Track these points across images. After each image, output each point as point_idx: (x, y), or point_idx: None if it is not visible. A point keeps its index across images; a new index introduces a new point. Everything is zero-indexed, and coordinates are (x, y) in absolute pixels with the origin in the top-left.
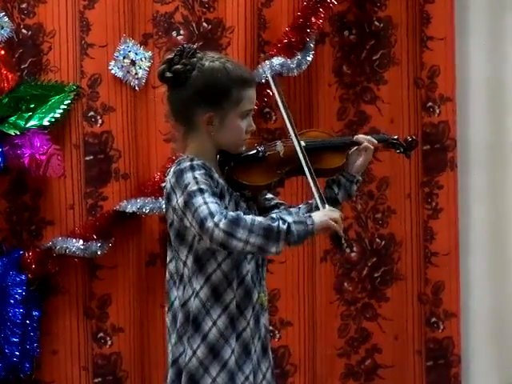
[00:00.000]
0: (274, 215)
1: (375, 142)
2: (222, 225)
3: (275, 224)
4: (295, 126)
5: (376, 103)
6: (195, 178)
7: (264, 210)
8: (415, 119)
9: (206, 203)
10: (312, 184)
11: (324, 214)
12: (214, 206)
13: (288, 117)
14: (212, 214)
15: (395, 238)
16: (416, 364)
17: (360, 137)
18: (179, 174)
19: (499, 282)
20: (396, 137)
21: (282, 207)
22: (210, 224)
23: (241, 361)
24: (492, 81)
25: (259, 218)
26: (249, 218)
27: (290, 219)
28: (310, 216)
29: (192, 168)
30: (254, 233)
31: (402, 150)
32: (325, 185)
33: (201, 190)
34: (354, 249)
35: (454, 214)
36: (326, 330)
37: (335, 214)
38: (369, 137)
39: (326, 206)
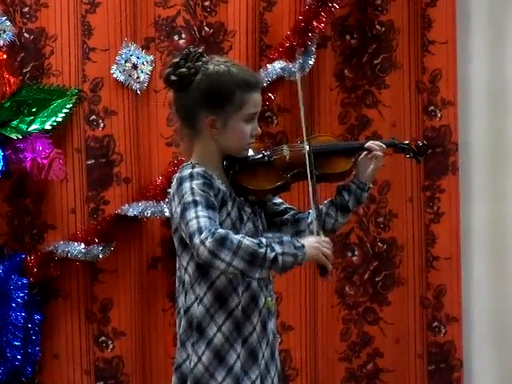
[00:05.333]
0: (264, 240)
1: (385, 147)
2: (207, 243)
3: (262, 251)
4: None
5: (378, 107)
6: (192, 188)
7: (273, 215)
8: (417, 123)
9: (197, 217)
10: (312, 202)
11: (316, 247)
12: (203, 221)
13: (305, 121)
14: (200, 230)
15: (397, 242)
16: (417, 368)
17: (371, 144)
18: (179, 182)
19: (501, 286)
20: (407, 142)
21: (292, 212)
22: (196, 240)
23: (247, 366)
24: (493, 85)
25: (247, 241)
26: (236, 239)
27: (279, 249)
28: (302, 247)
29: (191, 177)
30: (238, 256)
31: (412, 154)
32: (335, 191)
33: (195, 202)
34: (356, 253)
35: (456, 217)
36: (328, 333)
37: (327, 247)
38: (380, 143)
39: (322, 234)
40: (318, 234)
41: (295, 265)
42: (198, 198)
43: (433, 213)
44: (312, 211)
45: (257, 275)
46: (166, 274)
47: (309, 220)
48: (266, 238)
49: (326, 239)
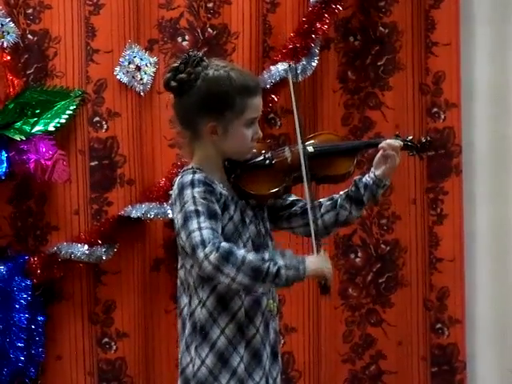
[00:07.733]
0: (266, 255)
1: (397, 145)
2: (212, 257)
3: (265, 265)
4: (303, 134)
5: (381, 109)
6: (194, 197)
7: (280, 209)
8: (420, 125)
9: (200, 229)
10: (310, 217)
11: (319, 266)
12: (207, 233)
13: (299, 123)
14: (204, 243)
15: (400, 244)
16: (421, 370)
17: (383, 144)
18: (181, 188)
19: (504, 288)
20: (410, 137)
21: (300, 204)
22: (200, 254)
23: (250, 368)
24: (497, 86)
25: (250, 256)
26: (240, 254)
27: (281, 262)
28: (303, 262)
29: (192, 184)
30: (241, 272)
31: (414, 152)
32: (352, 184)
33: (197, 212)
34: (359, 254)
35: (459, 219)
36: (331, 335)
37: (328, 265)
38: (397, 143)
39: (321, 251)
40: (317, 251)
41: (297, 279)
42: (200, 208)
43: (436, 215)
44: (310, 214)
45: (260, 289)
46: (169, 276)
47: (322, 211)
48: (268, 252)
49: (326, 255)
